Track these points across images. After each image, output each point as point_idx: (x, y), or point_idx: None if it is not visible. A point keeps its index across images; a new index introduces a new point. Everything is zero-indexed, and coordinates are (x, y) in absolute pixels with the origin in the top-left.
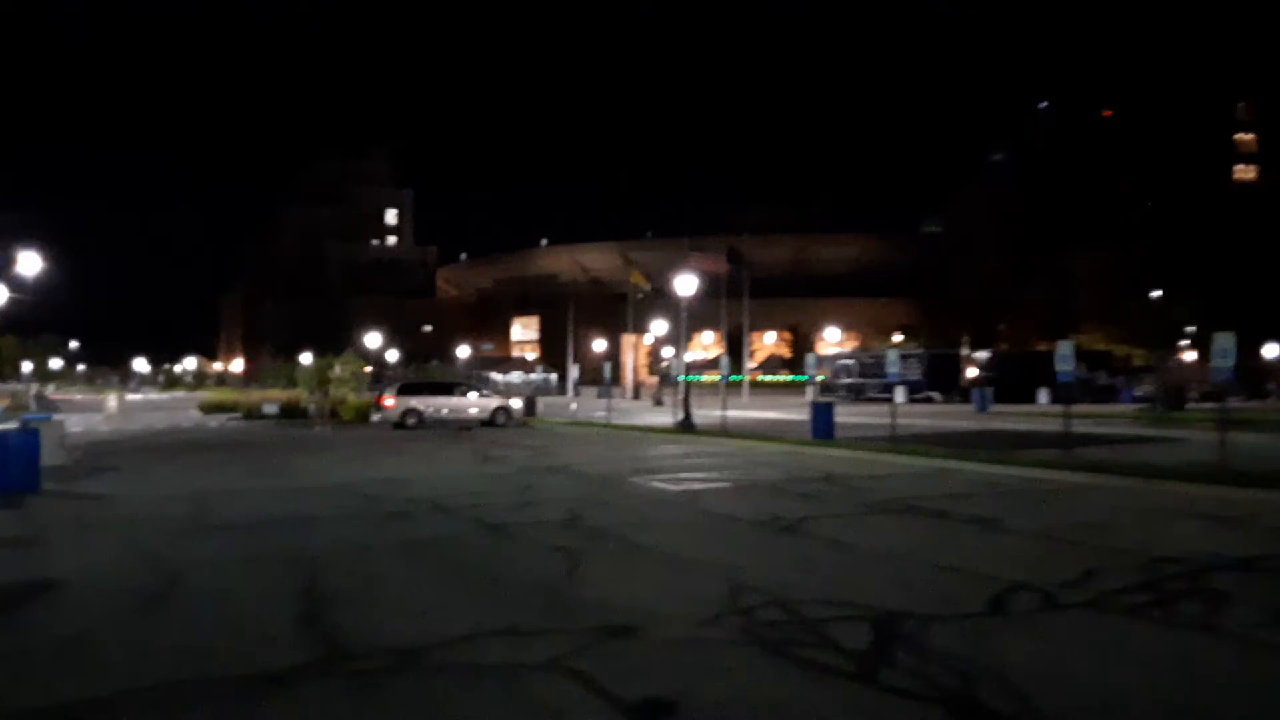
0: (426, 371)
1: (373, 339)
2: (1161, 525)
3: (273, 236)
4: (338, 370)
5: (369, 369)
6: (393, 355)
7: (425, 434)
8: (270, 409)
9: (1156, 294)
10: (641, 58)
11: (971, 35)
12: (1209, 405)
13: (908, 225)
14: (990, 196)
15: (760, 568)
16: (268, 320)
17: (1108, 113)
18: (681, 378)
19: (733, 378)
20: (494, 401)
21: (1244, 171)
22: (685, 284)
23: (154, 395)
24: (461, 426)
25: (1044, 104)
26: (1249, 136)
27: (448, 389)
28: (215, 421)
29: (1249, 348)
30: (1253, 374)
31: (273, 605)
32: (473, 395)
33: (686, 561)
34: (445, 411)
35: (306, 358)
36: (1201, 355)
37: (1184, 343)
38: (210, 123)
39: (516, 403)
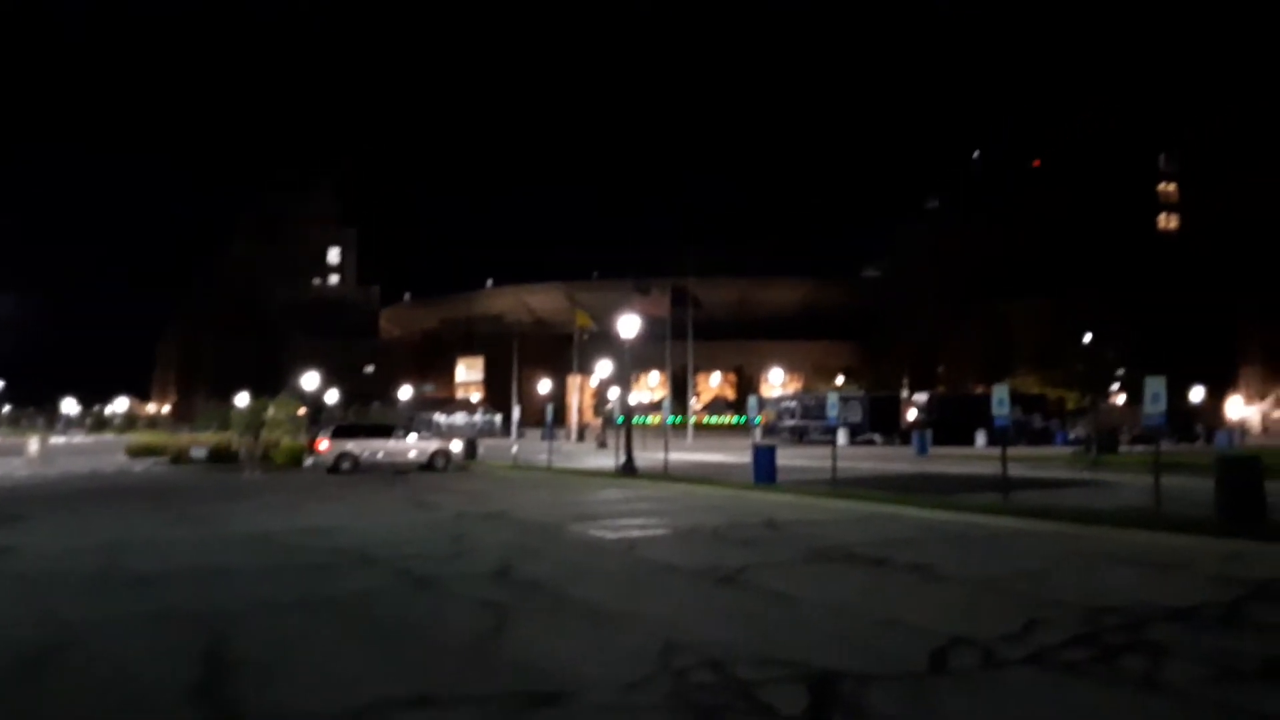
0: (367, 413)
1: (310, 379)
2: (1099, 573)
3: (213, 273)
4: (271, 412)
5: (302, 410)
6: (333, 396)
7: (360, 479)
8: (199, 453)
9: (1089, 338)
10: (585, 100)
11: (908, 83)
12: (1140, 448)
13: (850, 269)
14: (928, 241)
15: (696, 623)
16: (205, 360)
17: (1037, 162)
18: (623, 420)
19: (677, 419)
20: (433, 444)
21: (1167, 220)
22: (628, 325)
23: (80, 438)
24: (398, 471)
25: (977, 152)
26: (1170, 187)
27: (385, 431)
28: (141, 466)
29: (1177, 391)
30: (1181, 417)
31: (170, 670)
32: (411, 438)
33: (620, 617)
34: (381, 455)
35: (243, 399)
36: (1131, 398)
37: (1115, 386)
38: (148, 155)
39: (456, 445)
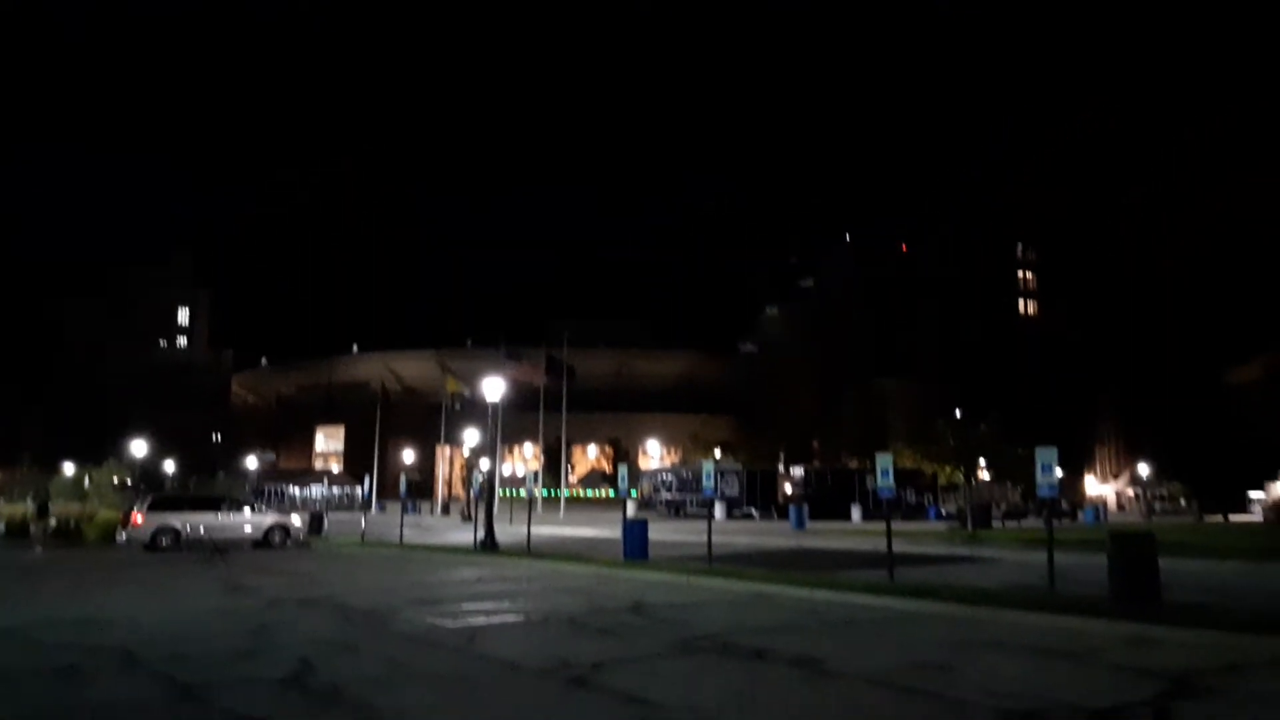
0: (212, 485)
1: (140, 446)
2: (1003, 664)
3: (47, 337)
4: (87, 482)
5: (116, 479)
6: (171, 466)
7: (178, 557)
8: None
9: (959, 414)
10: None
11: (778, 164)
12: (1012, 524)
13: (725, 344)
14: (800, 320)
15: None
16: (33, 429)
17: (904, 247)
18: (483, 491)
19: (550, 492)
20: (269, 519)
21: (1026, 306)
22: (493, 388)
23: None
24: (219, 548)
25: (847, 235)
26: (1029, 274)
27: (213, 504)
28: None
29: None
30: None
31: None
32: (246, 512)
33: None
34: (206, 530)
35: (70, 468)
36: (999, 475)
37: (982, 461)
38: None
39: (296, 520)
